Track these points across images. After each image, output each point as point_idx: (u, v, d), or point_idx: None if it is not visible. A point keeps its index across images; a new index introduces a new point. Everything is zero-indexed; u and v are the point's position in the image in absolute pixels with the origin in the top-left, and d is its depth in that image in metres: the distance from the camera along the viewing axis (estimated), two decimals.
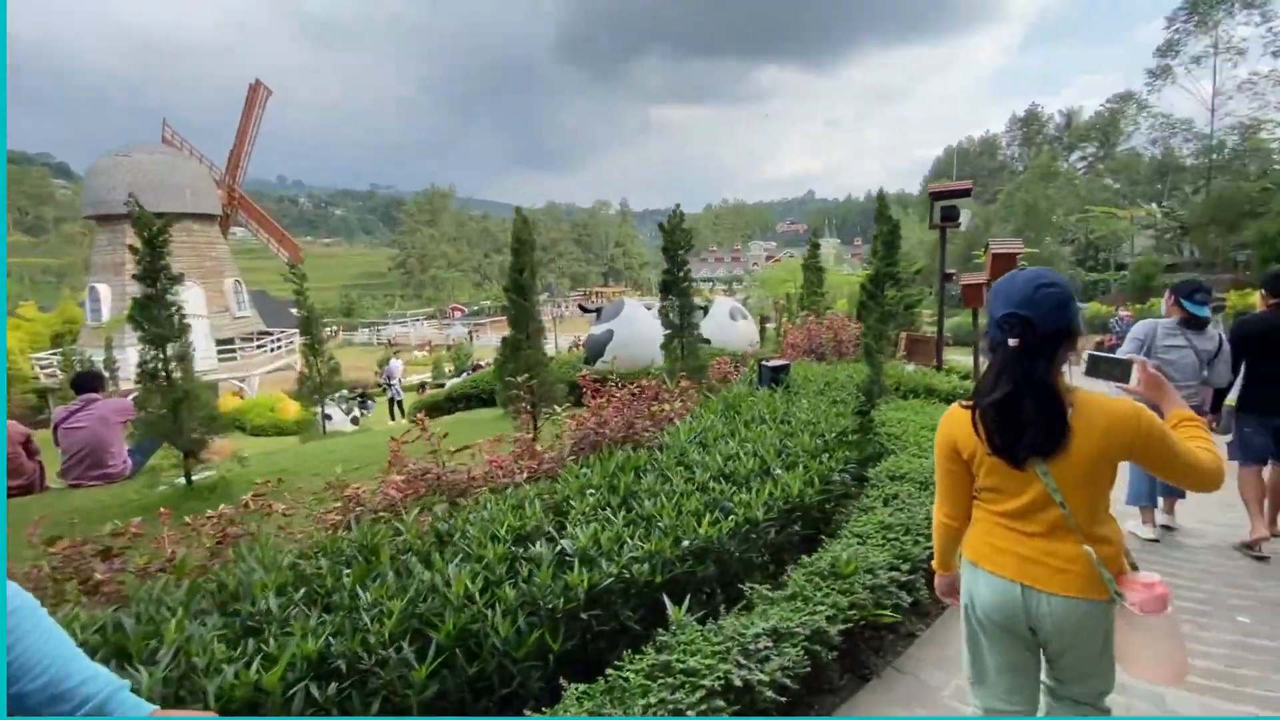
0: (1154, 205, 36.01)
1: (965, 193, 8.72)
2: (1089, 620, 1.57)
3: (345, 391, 20.44)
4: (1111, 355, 1.85)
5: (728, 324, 11.75)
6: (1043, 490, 1.56)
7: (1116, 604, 1.55)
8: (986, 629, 1.70)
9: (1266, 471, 4.30)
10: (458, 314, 65.71)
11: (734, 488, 3.37)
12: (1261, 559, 4.10)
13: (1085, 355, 1.89)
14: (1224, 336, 4.28)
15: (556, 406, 4.36)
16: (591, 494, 3.09)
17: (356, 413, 16.90)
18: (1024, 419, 1.53)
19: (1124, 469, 2.09)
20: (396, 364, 24.46)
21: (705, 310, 12.19)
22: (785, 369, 6.07)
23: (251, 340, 28.72)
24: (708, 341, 12.12)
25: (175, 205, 25.46)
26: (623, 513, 2.95)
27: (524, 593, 2.32)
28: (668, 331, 5.94)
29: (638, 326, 9.53)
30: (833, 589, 2.74)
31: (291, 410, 19.75)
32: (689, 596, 2.59)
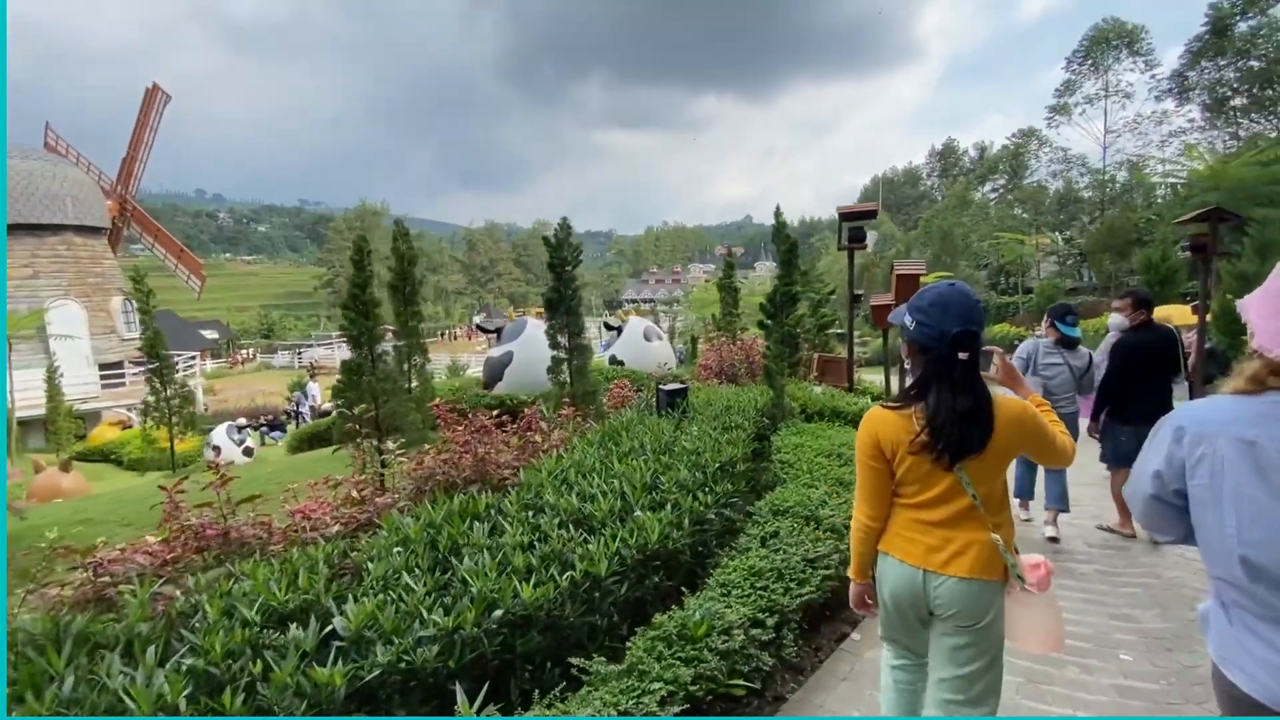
0: (1056, 234, 38.66)
1: (871, 214, 8.77)
2: (981, 598, 1.68)
3: (243, 419, 18.88)
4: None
5: (642, 345, 11.37)
6: (955, 482, 1.70)
7: (1009, 583, 1.71)
8: (892, 611, 1.84)
9: None
10: (389, 335, 63.16)
11: (585, 535, 2.93)
12: (1130, 537, 4.69)
13: None
14: (1092, 354, 4.70)
15: (390, 443, 3.79)
16: (399, 553, 2.57)
17: (250, 443, 15.50)
18: (973, 424, 1.66)
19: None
20: (314, 387, 22.86)
21: (619, 330, 11.80)
22: (683, 393, 5.72)
23: (143, 364, 26.32)
24: (621, 363, 11.83)
25: (51, 216, 23.26)
26: (434, 575, 2.44)
27: (258, 698, 1.79)
28: (554, 353, 5.48)
29: (540, 348, 8.96)
30: (677, 658, 2.33)
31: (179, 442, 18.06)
32: (493, 681, 2.13)
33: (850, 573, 1.98)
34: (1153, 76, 35.53)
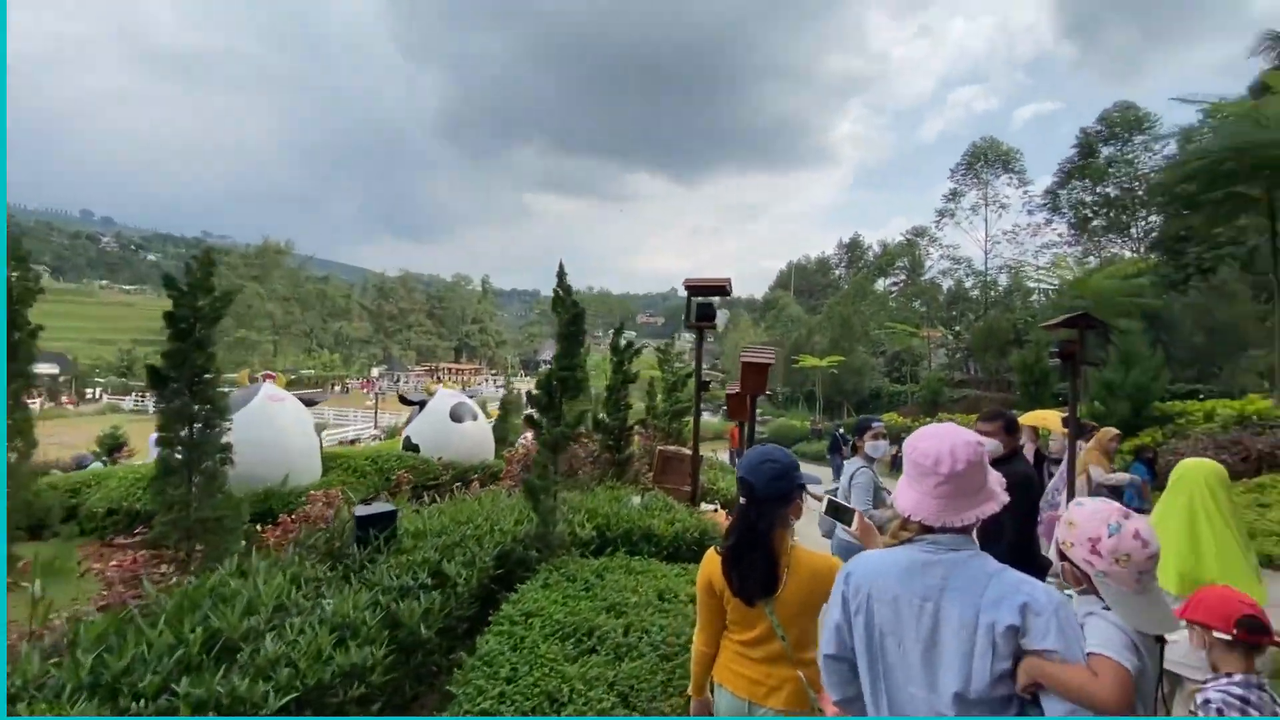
0: (945, 328, 40.62)
1: (721, 290, 7.53)
2: None
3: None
4: (842, 503, 2.13)
5: (446, 426, 9.32)
6: (769, 625, 1.91)
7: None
8: None
9: None
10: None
11: None
12: None
13: (826, 498, 2.22)
14: (857, 468, 4.05)
15: None
16: None
17: None
18: (748, 564, 1.89)
19: None
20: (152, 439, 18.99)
21: (421, 405, 9.73)
22: (388, 518, 3.88)
23: None
24: (416, 449, 9.74)
25: None
26: None
27: None
28: (164, 452, 3.48)
29: (273, 426, 6.78)
30: None
31: None
32: None
33: (690, 691, 2.21)
34: (1025, 193, 39.04)
